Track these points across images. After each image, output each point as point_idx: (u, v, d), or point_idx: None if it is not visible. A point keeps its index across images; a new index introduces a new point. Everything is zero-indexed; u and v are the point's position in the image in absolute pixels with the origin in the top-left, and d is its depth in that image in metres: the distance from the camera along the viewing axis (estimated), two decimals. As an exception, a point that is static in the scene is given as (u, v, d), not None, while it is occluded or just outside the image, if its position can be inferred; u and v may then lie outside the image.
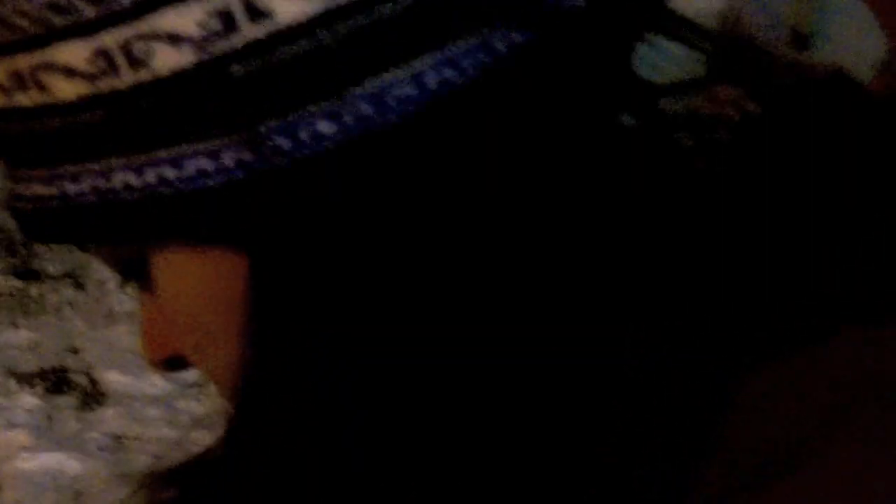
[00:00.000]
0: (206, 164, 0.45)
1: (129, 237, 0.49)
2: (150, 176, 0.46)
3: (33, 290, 5.22)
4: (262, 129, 0.45)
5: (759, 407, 0.45)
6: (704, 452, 0.45)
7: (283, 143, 0.45)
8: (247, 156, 0.45)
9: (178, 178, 0.46)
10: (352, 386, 0.46)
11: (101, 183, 0.47)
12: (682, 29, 0.50)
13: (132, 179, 0.46)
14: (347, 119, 0.44)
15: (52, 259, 5.67)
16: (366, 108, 0.44)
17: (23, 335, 4.64)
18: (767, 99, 0.50)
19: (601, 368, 0.46)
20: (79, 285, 5.37)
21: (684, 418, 0.46)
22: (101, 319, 4.95)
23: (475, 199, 0.46)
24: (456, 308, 0.46)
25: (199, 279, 0.50)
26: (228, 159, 0.45)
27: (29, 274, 5.43)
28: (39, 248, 5.90)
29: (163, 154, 0.46)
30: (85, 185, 0.48)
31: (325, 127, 0.44)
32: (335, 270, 0.46)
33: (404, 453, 0.47)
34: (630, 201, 0.47)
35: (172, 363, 0.56)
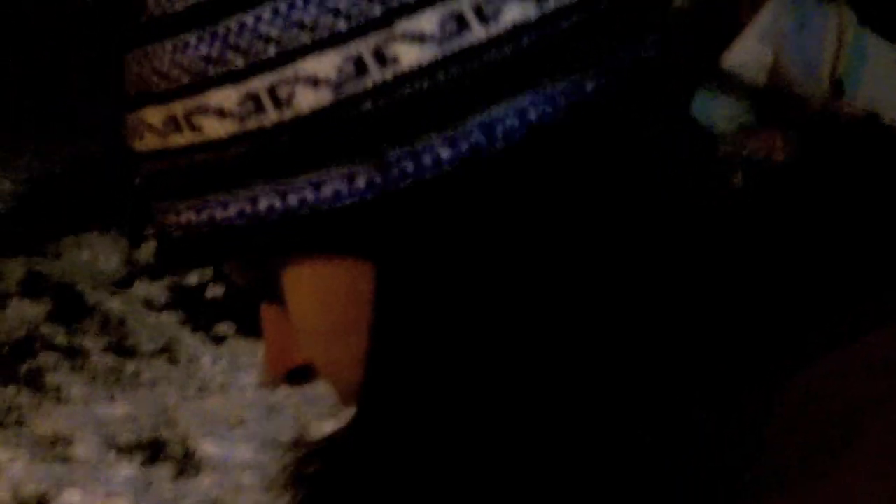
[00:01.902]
0: (341, 186, 0.52)
1: (269, 252, 0.55)
2: (293, 199, 0.53)
3: (129, 366, 5.34)
4: (390, 155, 0.51)
5: (803, 401, 0.50)
6: (754, 446, 0.50)
7: (408, 167, 0.51)
8: (377, 178, 0.52)
9: (317, 200, 0.52)
10: (468, 394, 0.52)
11: (248, 207, 0.54)
12: (731, 82, 0.58)
13: (276, 203, 0.53)
14: (462, 146, 0.51)
15: (146, 336, 5.80)
16: (478, 137, 0.51)
17: (120, 409, 4.75)
18: (806, 144, 0.56)
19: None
20: (172, 360, 5.48)
21: (733, 417, 0.51)
22: (195, 392, 5.05)
23: (568, 220, 0.52)
24: (544, 319, 0.52)
25: (328, 286, 0.56)
26: (361, 182, 0.52)
27: (124, 351, 5.56)
28: (134, 327, 6.03)
29: (303, 180, 0.52)
30: (232, 210, 0.54)
31: (444, 153, 0.51)
32: (455, 280, 0.52)
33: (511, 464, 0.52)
34: (695, 228, 0.54)
35: (295, 376, 0.61)
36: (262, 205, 0.53)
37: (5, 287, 6.54)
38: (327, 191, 0.52)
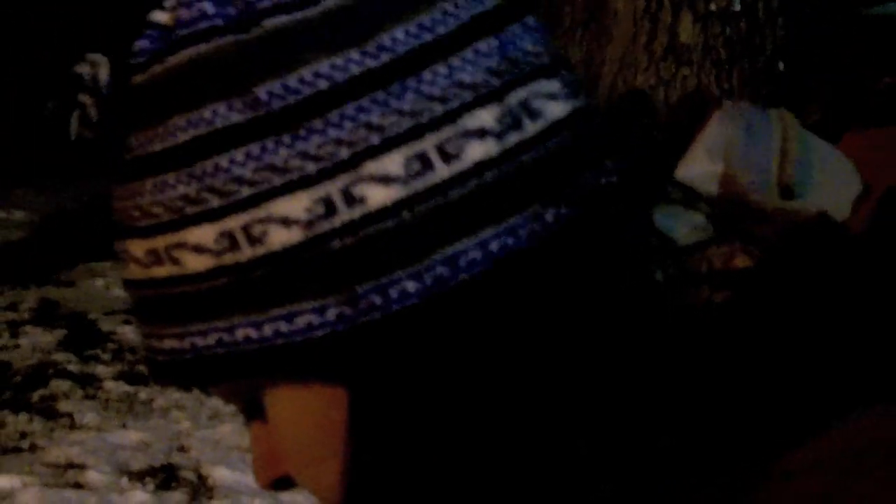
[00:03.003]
0: (313, 318, 0.54)
1: (247, 378, 0.58)
2: (267, 330, 0.55)
3: (142, 393, 5.33)
4: (359, 289, 0.54)
5: (778, 487, 0.52)
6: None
7: (376, 300, 0.53)
8: (346, 311, 0.54)
9: (290, 331, 0.55)
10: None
11: (225, 337, 0.56)
12: (687, 194, 0.60)
13: (252, 333, 0.55)
14: (427, 279, 0.53)
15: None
16: (441, 270, 0.53)
17: (133, 436, 4.75)
18: (764, 250, 0.58)
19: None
20: (185, 387, 5.48)
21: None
22: (206, 419, 5.04)
23: (536, 347, 0.54)
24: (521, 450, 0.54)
25: (303, 411, 0.58)
26: (331, 314, 0.54)
27: (137, 378, 5.56)
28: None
29: (277, 312, 0.55)
30: (211, 339, 0.57)
31: (409, 286, 0.53)
32: (424, 408, 0.54)
33: None
34: (666, 341, 0.56)
35: (280, 484, 0.63)
36: (239, 334, 0.56)
37: (18, 315, 6.56)
38: (300, 322, 0.54)
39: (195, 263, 0.56)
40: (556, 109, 0.57)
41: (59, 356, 5.83)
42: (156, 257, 0.57)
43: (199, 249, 0.56)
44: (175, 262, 0.57)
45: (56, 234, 7.92)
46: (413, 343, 0.54)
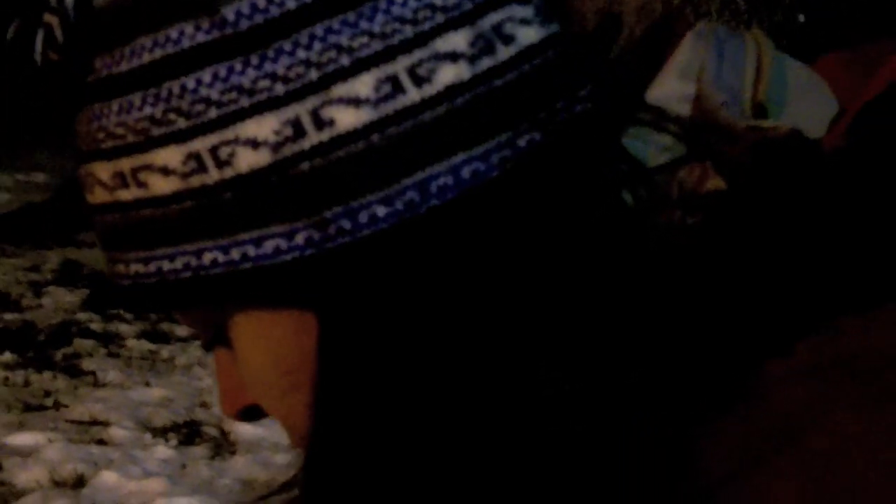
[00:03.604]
0: (281, 243, 0.53)
1: (213, 304, 0.57)
2: (235, 254, 0.54)
3: (164, 351, 5.38)
4: (328, 213, 0.53)
5: (738, 406, 0.52)
6: (685, 451, 0.52)
7: (345, 224, 0.53)
8: (315, 235, 0.53)
9: (258, 256, 0.54)
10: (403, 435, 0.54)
11: (192, 261, 0.55)
12: (658, 115, 0.59)
13: (219, 257, 0.54)
14: (397, 204, 0.53)
15: (181, 323, 5.81)
16: (412, 195, 0.53)
17: (155, 393, 4.79)
18: (735, 169, 0.58)
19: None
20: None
21: (664, 420, 0.53)
22: (229, 376, 5.08)
23: (505, 272, 0.53)
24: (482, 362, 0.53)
25: (272, 339, 0.58)
26: (300, 239, 0.53)
27: (160, 337, 5.61)
28: (168, 314, 6.05)
29: (244, 236, 0.54)
30: (178, 263, 0.56)
31: (379, 211, 0.53)
32: (393, 333, 0.54)
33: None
34: (635, 266, 0.55)
35: (247, 414, 0.64)
36: (207, 258, 0.55)
37: (41, 276, 6.61)
38: (268, 247, 0.54)
39: (162, 186, 0.55)
40: (530, 34, 0.56)
41: (82, 315, 5.87)
42: (121, 180, 0.57)
43: (165, 172, 0.55)
44: (141, 184, 0.56)
45: (77, 196, 7.90)
46: (382, 269, 0.53)
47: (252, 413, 0.63)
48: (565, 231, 0.54)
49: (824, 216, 0.56)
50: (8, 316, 5.79)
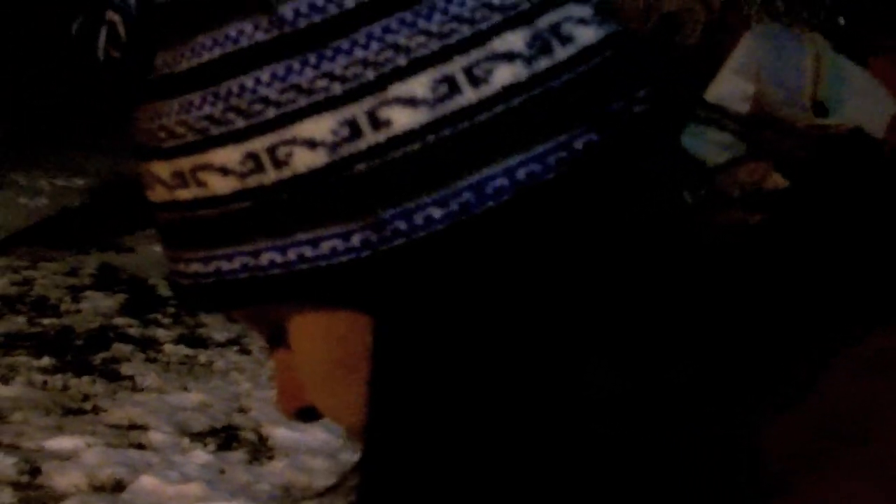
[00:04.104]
0: (337, 243, 0.54)
1: (271, 304, 0.57)
2: (292, 254, 0.55)
3: (201, 356, 5.39)
4: (384, 214, 0.53)
5: (810, 403, 0.52)
6: (757, 448, 0.52)
7: (401, 225, 0.53)
8: (371, 236, 0.53)
9: (315, 256, 0.54)
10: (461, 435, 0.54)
11: (250, 261, 0.56)
12: (717, 114, 0.58)
13: (276, 258, 0.55)
14: (453, 205, 0.53)
15: (218, 328, 5.84)
16: (467, 196, 0.53)
17: (193, 397, 4.80)
18: (796, 167, 0.57)
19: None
20: (244, 351, 5.53)
21: (737, 418, 0.53)
22: (266, 381, 5.07)
23: (562, 272, 0.53)
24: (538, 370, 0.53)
25: (327, 338, 0.58)
26: (356, 240, 0.53)
27: (197, 342, 5.62)
28: (205, 318, 6.09)
29: (301, 237, 0.54)
30: (236, 263, 0.56)
31: (435, 212, 0.53)
32: (448, 333, 0.54)
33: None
34: (692, 265, 0.55)
35: (305, 414, 0.63)
36: (264, 259, 0.55)
37: (80, 280, 6.64)
38: (324, 247, 0.54)
39: (220, 185, 0.56)
40: (588, 34, 0.56)
41: (120, 320, 5.89)
42: (181, 179, 0.57)
43: (223, 171, 0.55)
44: (200, 184, 0.56)
45: (115, 201, 7.98)
46: (437, 270, 0.53)
47: (309, 414, 0.63)
48: (621, 231, 0.54)
49: (887, 213, 0.55)
50: (46, 321, 5.82)
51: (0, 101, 9.29)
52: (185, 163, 0.57)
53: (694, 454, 0.53)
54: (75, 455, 4.13)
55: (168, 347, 5.48)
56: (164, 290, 6.48)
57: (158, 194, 0.59)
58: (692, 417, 0.53)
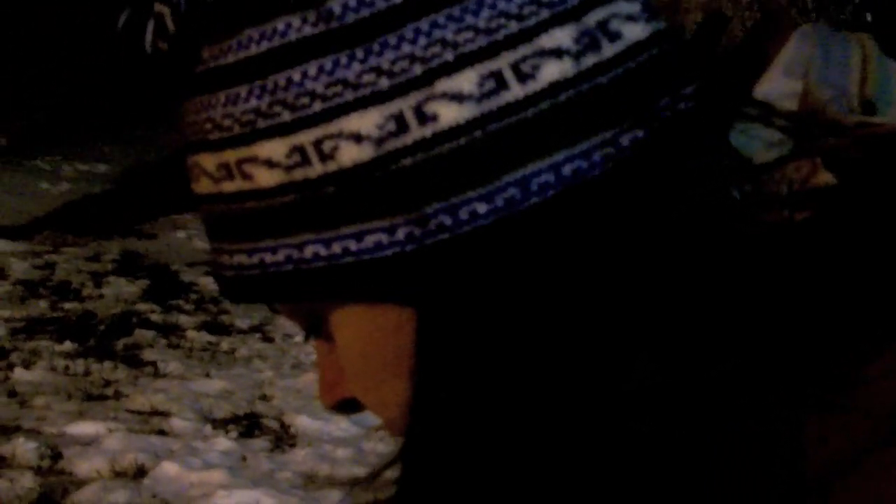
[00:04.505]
0: (382, 238, 0.54)
1: (315, 297, 0.57)
2: (336, 248, 0.55)
3: (224, 343, 5.38)
4: (429, 209, 0.53)
5: (856, 400, 0.51)
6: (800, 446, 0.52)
7: (446, 220, 0.53)
8: (416, 231, 0.53)
9: (359, 250, 0.54)
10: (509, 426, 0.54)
11: (295, 254, 0.56)
12: (765, 111, 0.58)
13: (321, 251, 0.55)
14: (498, 201, 0.53)
15: (241, 315, 5.84)
16: (513, 192, 0.53)
17: (216, 384, 4.78)
18: (845, 164, 0.57)
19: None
20: (267, 338, 5.52)
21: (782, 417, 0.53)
22: (289, 369, 5.07)
23: (608, 269, 0.53)
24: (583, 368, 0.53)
25: (370, 332, 0.58)
26: (400, 234, 0.53)
27: (220, 329, 5.61)
28: (228, 305, 6.08)
29: (346, 230, 0.54)
30: (280, 255, 0.56)
31: (480, 207, 0.53)
32: (492, 329, 0.54)
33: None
34: (738, 263, 0.54)
35: (345, 406, 0.63)
36: (308, 252, 0.55)
37: (102, 266, 6.65)
38: (369, 241, 0.54)
39: (266, 178, 0.56)
40: (636, 31, 0.56)
41: (143, 306, 5.89)
42: (227, 172, 0.57)
43: (269, 164, 0.55)
44: (246, 176, 0.56)
45: (138, 187, 7.98)
46: (481, 265, 0.53)
47: (350, 406, 0.63)
48: (667, 228, 0.54)
49: None
50: (68, 305, 5.82)
51: (24, 89, 9.31)
52: (231, 155, 0.57)
53: (732, 450, 0.53)
54: (97, 441, 4.11)
55: (190, 334, 5.47)
56: (186, 277, 6.48)
57: (204, 186, 0.59)
58: (732, 413, 0.53)
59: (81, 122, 9.12)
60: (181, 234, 7.59)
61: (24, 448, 4.01)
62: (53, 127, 9.11)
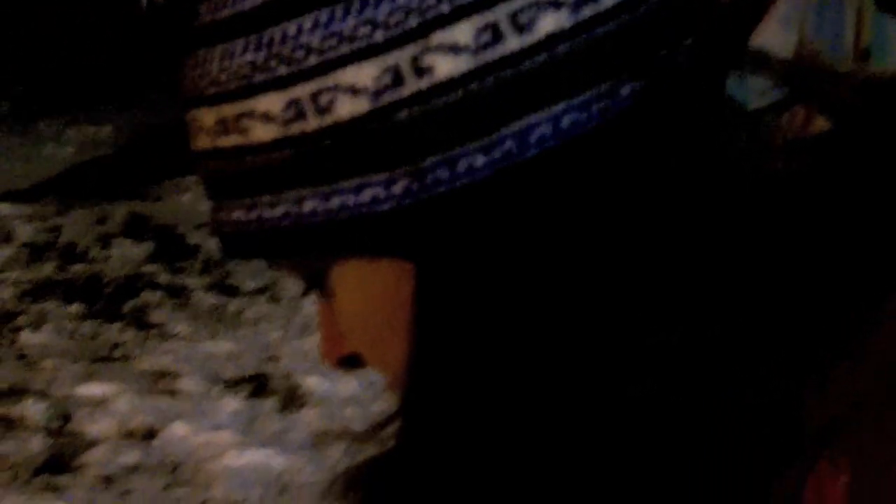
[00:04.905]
0: (379, 192, 0.54)
1: (314, 253, 0.57)
2: (334, 203, 0.55)
3: (232, 305, 5.37)
4: (426, 162, 0.53)
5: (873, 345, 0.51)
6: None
7: (443, 174, 0.53)
8: (413, 185, 0.53)
9: (357, 204, 0.54)
10: (506, 381, 0.54)
11: (293, 209, 0.56)
12: (759, 59, 0.57)
13: (319, 206, 0.55)
14: (496, 153, 0.52)
15: (248, 276, 5.82)
16: (511, 145, 0.53)
17: (224, 346, 4.78)
18: (840, 111, 0.56)
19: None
20: (274, 299, 5.51)
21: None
22: (297, 330, 5.06)
23: (604, 219, 0.53)
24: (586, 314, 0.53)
25: (369, 287, 0.58)
26: (398, 188, 0.53)
27: (227, 290, 5.60)
28: (235, 266, 6.07)
29: (344, 185, 0.54)
30: (279, 211, 0.56)
31: (477, 160, 0.53)
32: (491, 283, 0.54)
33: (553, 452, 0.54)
34: (734, 212, 0.54)
35: (347, 362, 0.64)
36: (307, 207, 0.55)
37: (108, 229, 6.63)
38: (366, 195, 0.54)
39: (262, 133, 0.56)
40: None
41: (149, 268, 5.88)
42: (224, 127, 0.57)
43: (266, 118, 0.55)
44: (243, 131, 0.56)
45: (143, 150, 7.96)
46: (479, 219, 0.53)
47: (351, 362, 0.63)
48: (664, 179, 0.54)
49: None
50: (75, 268, 5.81)
51: (27, 52, 9.27)
52: (228, 110, 0.57)
53: (731, 406, 0.53)
54: (106, 402, 4.12)
55: (197, 295, 5.46)
56: (193, 239, 6.46)
57: (202, 142, 0.59)
58: (732, 368, 0.53)
59: (85, 86, 9.09)
60: (187, 197, 7.57)
61: (32, 410, 4.02)
62: (56, 91, 9.07)
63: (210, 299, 5.42)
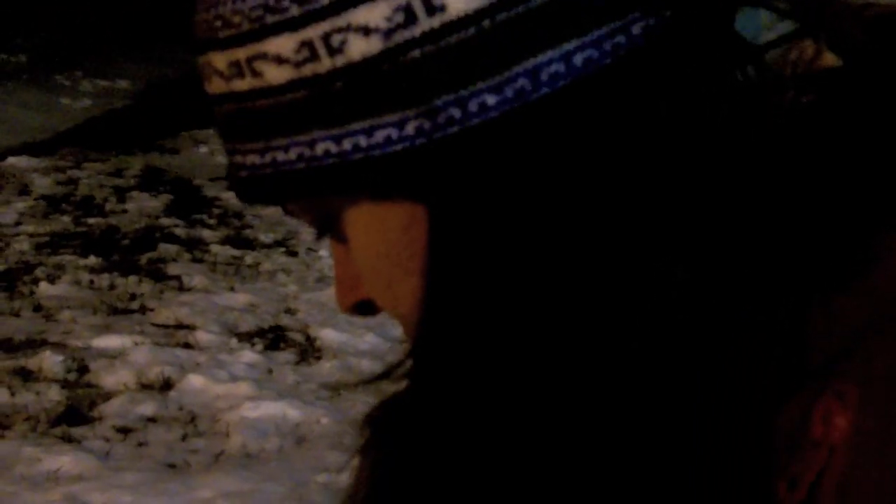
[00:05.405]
0: (392, 132, 0.53)
1: (327, 195, 0.57)
2: (347, 144, 0.54)
3: (248, 257, 5.38)
4: (438, 102, 0.52)
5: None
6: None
7: (456, 113, 0.52)
8: (425, 125, 0.53)
9: (369, 145, 0.54)
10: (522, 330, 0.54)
11: (306, 152, 0.56)
12: None
13: (332, 147, 0.55)
14: (508, 92, 0.52)
15: (264, 229, 5.83)
16: (523, 83, 0.52)
17: (240, 298, 4.78)
18: (849, 43, 0.56)
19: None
20: (290, 252, 5.51)
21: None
22: (314, 283, 5.07)
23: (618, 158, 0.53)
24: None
25: (382, 229, 0.58)
26: (410, 128, 0.53)
27: (244, 243, 5.60)
28: (252, 219, 6.08)
29: (356, 126, 0.54)
30: (292, 153, 0.56)
31: (490, 99, 0.52)
32: (505, 224, 0.53)
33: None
34: (747, 147, 0.53)
35: (361, 308, 0.63)
36: (319, 149, 0.55)
37: (125, 181, 6.64)
38: (379, 136, 0.54)
39: (275, 75, 0.55)
40: None
41: (166, 220, 5.89)
42: (237, 69, 0.57)
43: (279, 60, 0.55)
44: (256, 74, 0.56)
45: (159, 103, 7.95)
46: (492, 158, 0.53)
47: (366, 307, 0.63)
48: (678, 117, 0.53)
49: None
50: (92, 220, 5.82)
51: (42, 5, 9.24)
52: (241, 52, 0.56)
53: (736, 345, 0.53)
54: (123, 354, 4.13)
55: (214, 248, 5.47)
56: (209, 192, 6.46)
57: (215, 86, 0.59)
58: (738, 305, 0.53)
59: (101, 38, 9.06)
60: (203, 150, 7.57)
61: (50, 361, 4.03)
62: (73, 43, 9.06)
63: (227, 252, 5.43)
